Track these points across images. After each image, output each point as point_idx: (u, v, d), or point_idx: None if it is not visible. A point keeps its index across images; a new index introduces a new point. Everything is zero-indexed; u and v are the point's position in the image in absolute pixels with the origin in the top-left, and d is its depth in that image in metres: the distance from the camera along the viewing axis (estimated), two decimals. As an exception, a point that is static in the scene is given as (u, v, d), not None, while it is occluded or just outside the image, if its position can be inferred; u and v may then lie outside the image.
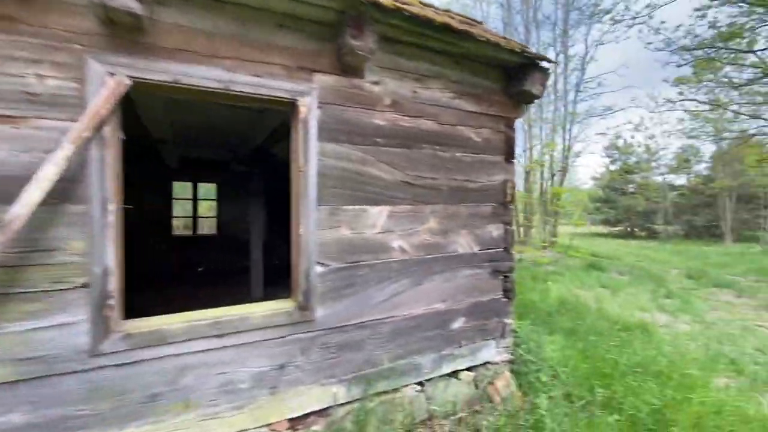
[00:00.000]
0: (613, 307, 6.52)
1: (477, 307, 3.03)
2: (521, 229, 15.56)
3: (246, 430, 2.11)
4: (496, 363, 3.12)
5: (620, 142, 31.83)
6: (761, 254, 16.20)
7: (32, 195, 1.53)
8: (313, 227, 2.29)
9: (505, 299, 3.18)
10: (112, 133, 1.79)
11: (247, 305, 2.24)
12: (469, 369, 2.98)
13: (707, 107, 14.55)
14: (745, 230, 24.88)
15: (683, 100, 14.00)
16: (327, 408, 2.37)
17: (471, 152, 2.95)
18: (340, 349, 2.41)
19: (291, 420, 2.24)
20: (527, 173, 15.44)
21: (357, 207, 2.46)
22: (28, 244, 1.65)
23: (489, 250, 3.08)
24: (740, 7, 10.15)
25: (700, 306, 6.92)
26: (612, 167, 33.84)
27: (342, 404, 2.42)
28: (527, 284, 7.97)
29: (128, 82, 1.78)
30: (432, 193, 2.77)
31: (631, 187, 32.27)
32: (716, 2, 10.39)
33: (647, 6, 13.04)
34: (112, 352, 1.79)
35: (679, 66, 12.17)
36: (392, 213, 2.59)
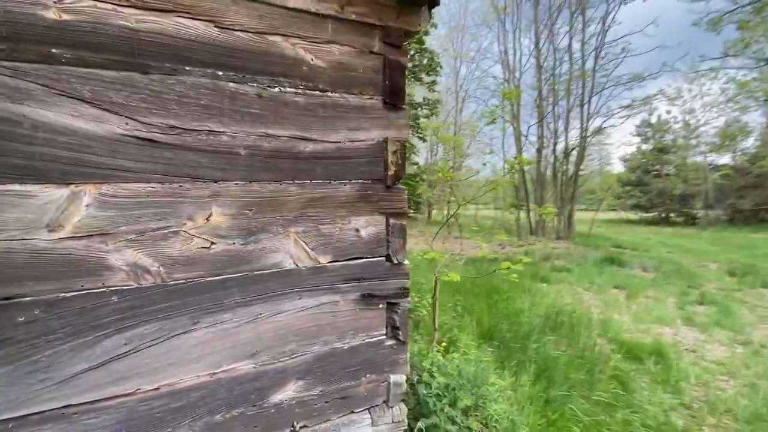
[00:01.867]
0: (623, 319, 5.02)
1: (330, 361, 1.74)
2: (532, 218, 13.86)
3: None
4: (372, 453, 1.84)
5: (653, 118, 28.83)
6: (822, 243, 13.76)
7: None
8: None
9: (391, 342, 1.87)
10: None
11: None
12: (313, 468, 1.72)
13: (758, 71, 12.21)
14: (800, 214, 21.90)
15: (726, 68, 11.73)
16: None
17: (306, 87, 1.63)
18: (-21, 472, 1.21)
19: None
20: (539, 152, 13.63)
21: (2, 187, 1.22)
22: None
23: (353, 261, 1.77)
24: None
25: (743, 317, 5.29)
26: (645, 146, 30.82)
27: None
28: (523, 285, 6.54)
29: None
30: (213, 159, 1.48)
31: (666, 169, 29.31)
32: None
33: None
34: None
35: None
36: (106, 198, 1.33)
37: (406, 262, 1.90)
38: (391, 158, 1.80)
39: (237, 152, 1.51)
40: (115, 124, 1.33)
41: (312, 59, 1.63)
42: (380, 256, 1.83)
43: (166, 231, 1.41)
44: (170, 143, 1.41)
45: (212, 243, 1.49)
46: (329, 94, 1.68)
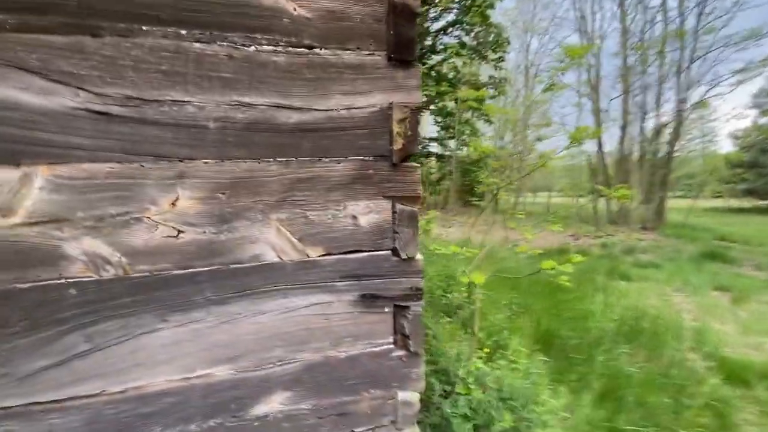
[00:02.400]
0: (726, 330, 4.07)
1: (323, 371, 1.48)
2: (610, 205, 12.27)
3: None
4: (376, 481, 1.56)
5: (777, 86, 23.80)
6: None
7: None
8: None
9: (400, 352, 1.56)
10: None
11: None
12: (305, 491, 1.50)
13: None
14: None
15: None
16: None
17: (289, 44, 1.35)
18: (-54, 465, 1.17)
19: None
20: (623, 129, 11.90)
21: (-55, 169, 1.13)
22: None
23: (350, 255, 1.47)
24: None
25: None
26: (763, 120, 25.68)
27: None
28: (597, 282, 5.72)
29: None
30: (177, 134, 1.27)
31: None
32: None
33: None
34: None
35: None
36: (60, 180, 1.19)
37: (419, 257, 1.55)
38: (397, 128, 1.45)
39: (205, 125, 1.29)
40: (66, 97, 1.18)
41: (294, 9, 1.34)
42: (385, 250, 1.51)
43: (127, 217, 1.25)
44: (128, 116, 1.23)
45: (179, 231, 1.30)
46: (317, 51, 1.38)
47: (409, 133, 1.47)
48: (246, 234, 1.36)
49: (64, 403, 1.24)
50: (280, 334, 1.42)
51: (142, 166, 1.25)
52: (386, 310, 1.53)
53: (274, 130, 1.36)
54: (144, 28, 1.22)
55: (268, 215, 1.37)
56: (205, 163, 1.30)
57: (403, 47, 1.44)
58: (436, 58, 20.58)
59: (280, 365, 1.43)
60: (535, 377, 2.59)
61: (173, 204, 1.29)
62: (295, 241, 1.40)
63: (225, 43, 1.29)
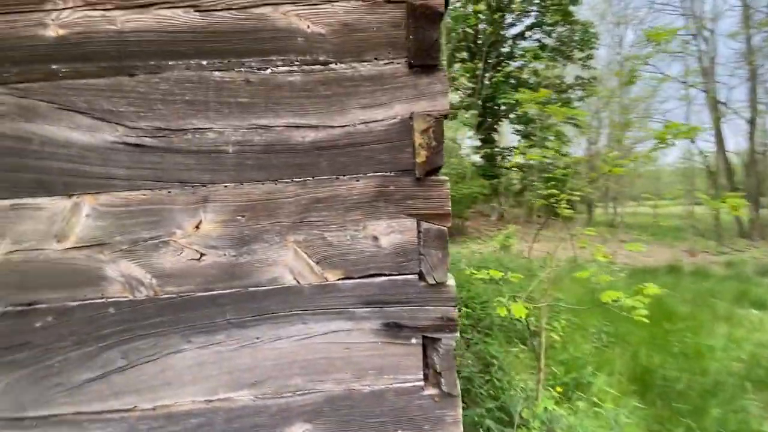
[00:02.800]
0: None
1: (345, 405, 1.37)
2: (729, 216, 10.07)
3: None
4: None
5: None
6: None
7: None
8: (-74, 242, 1.28)
9: (432, 391, 1.38)
10: None
11: None
12: None
13: None
14: None
15: None
16: None
17: (304, 63, 1.32)
18: (17, 461, 1.32)
19: None
20: (751, 122, 9.83)
21: (19, 201, 1.31)
22: None
23: (371, 280, 1.36)
24: None
25: None
26: None
27: None
28: (718, 309, 4.68)
29: None
30: (199, 160, 1.32)
31: None
32: None
33: None
34: None
35: None
36: (101, 207, 1.31)
37: (451, 282, 1.37)
38: (419, 140, 1.31)
39: (224, 150, 1.32)
40: (107, 132, 1.30)
41: (308, 27, 1.31)
42: (410, 273, 1.36)
43: (157, 241, 1.32)
44: (157, 146, 1.31)
45: (202, 254, 1.33)
46: (333, 66, 1.32)
47: (434, 143, 1.32)
48: (264, 256, 1.34)
49: (104, 415, 1.33)
50: (299, 362, 1.36)
51: (169, 192, 1.32)
52: (413, 341, 1.37)
53: (290, 150, 1.33)
54: (170, 63, 1.30)
55: (285, 237, 1.34)
56: (225, 186, 1.33)
57: (425, 52, 1.32)
58: (514, 65, 19.68)
59: (300, 395, 1.36)
60: (625, 428, 2.12)
61: (197, 227, 1.33)
62: (312, 263, 1.34)
63: (242, 69, 1.31)
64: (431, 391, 1.38)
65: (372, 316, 1.36)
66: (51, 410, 1.32)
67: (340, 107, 1.33)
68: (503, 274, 1.97)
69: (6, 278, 1.30)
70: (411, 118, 1.33)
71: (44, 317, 1.31)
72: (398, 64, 1.34)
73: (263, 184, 1.33)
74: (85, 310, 1.31)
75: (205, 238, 1.33)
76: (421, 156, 1.32)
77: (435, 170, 1.35)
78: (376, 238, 1.35)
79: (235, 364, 1.35)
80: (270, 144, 1.32)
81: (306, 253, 1.34)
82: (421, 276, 1.35)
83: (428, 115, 1.32)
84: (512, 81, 18.06)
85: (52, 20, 1.27)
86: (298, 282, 1.34)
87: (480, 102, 17.70)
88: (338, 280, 1.35)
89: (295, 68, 1.32)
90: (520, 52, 17.77)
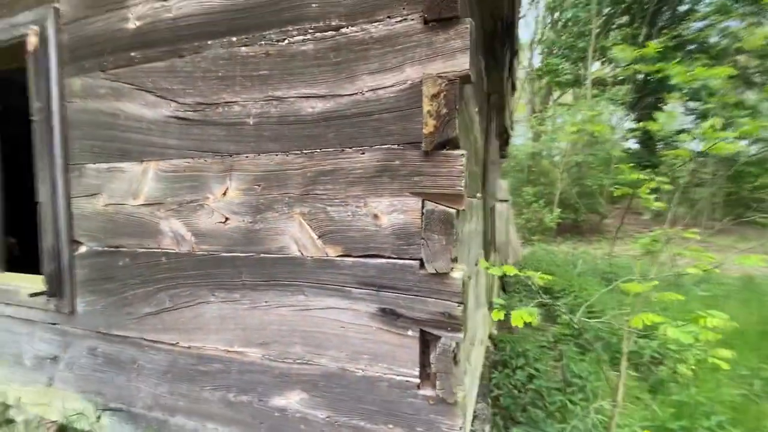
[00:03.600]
0: None
1: (339, 384, 1.34)
2: None
3: (28, 410, 1.93)
4: None
5: None
6: None
7: None
8: (62, 194, 1.72)
9: (428, 392, 1.23)
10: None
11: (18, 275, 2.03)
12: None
13: None
14: None
15: None
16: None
17: (317, 30, 1.28)
18: (108, 364, 1.73)
19: (55, 423, 1.84)
20: None
21: (108, 165, 1.64)
22: None
23: (369, 260, 1.27)
24: None
25: None
26: None
27: (107, 440, 1.75)
28: None
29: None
30: (228, 131, 1.43)
31: None
32: None
33: None
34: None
35: None
36: (160, 172, 1.55)
37: (457, 274, 1.17)
38: (428, 106, 1.14)
39: (246, 122, 1.39)
40: (164, 108, 1.52)
41: (321, -9, 1.26)
42: (410, 259, 1.22)
43: (195, 204, 1.50)
44: (197, 119, 1.47)
45: (227, 218, 1.45)
46: (344, 30, 1.25)
47: (444, 111, 1.13)
48: (274, 225, 1.38)
49: (157, 345, 1.61)
50: (299, 331, 1.38)
51: (206, 161, 1.47)
52: (410, 333, 1.24)
53: (300, 122, 1.32)
54: (209, 42, 1.43)
55: (292, 208, 1.35)
56: (246, 157, 1.41)
57: (442, 2, 1.12)
58: (694, 27, 15.48)
59: (299, 364, 1.39)
60: None
61: (224, 194, 1.45)
62: (315, 237, 1.33)
63: (264, 42, 1.35)
64: (427, 391, 1.23)
65: (368, 299, 1.28)
66: (125, 332, 1.67)
67: (349, 74, 1.25)
68: (550, 277, 1.57)
69: (103, 225, 1.67)
70: (420, 84, 1.16)
71: (124, 258, 1.64)
72: (412, 20, 1.17)
73: (277, 155, 1.36)
74: (147, 256, 1.59)
75: (230, 204, 1.44)
76: (429, 125, 1.14)
77: (446, 143, 1.15)
78: (376, 216, 1.24)
79: (248, 322, 1.45)
80: (283, 115, 1.34)
81: (310, 225, 1.33)
82: (422, 263, 1.20)
83: (440, 77, 1.13)
84: (689, 47, 14.31)
85: (131, 15, 1.53)
86: (301, 254, 1.35)
87: (639, 75, 14.61)
88: (338, 256, 1.30)
89: (308, 36, 1.29)
90: (706, 8, 13.85)
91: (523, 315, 1.51)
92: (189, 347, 1.55)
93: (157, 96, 1.52)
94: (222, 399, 1.51)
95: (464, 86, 1.24)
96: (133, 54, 1.55)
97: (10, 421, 1.95)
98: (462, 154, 1.15)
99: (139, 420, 1.67)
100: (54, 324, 1.83)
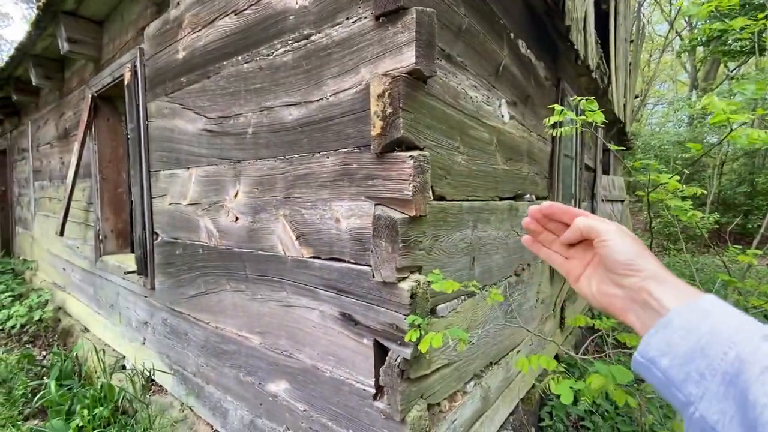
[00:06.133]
0: None
1: (312, 381, 1.39)
2: None
3: (127, 361, 2.51)
4: None
5: None
6: None
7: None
8: (146, 195, 2.18)
9: (382, 404, 1.18)
10: None
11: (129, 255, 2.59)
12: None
13: None
14: None
15: None
16: (164, 388, 2.22)
17: (294, 40, 1.35)
18: (172, 333, 2.13)
19: (149, 379, 2.34)
20: None
21: (169, 171, 2.00)
22: (90, 199, 3.03)
23: (333, 263, 1.28)
24: None
25: None
26: None
27: (171, 395, 2.16)
28: None
29: None
30: (236, 141, 1.61)
31: None
32: None
33: None
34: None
35: None
36: (198, 177, 1.83)
37: (405, 285, 1.09)
38: (375, 107, 1.09)
39: (247, 131, 1.54)
40: (199, 123, 1.79)
41: (297, 2, 1.31)
42: (365, 265, 1.18)
43: (218, 204, 1.73)
44: (218, 131, 1.69)
45: (237, 218, 1.63)
46: (313, 38, 1.28)
47: (389, 110, 1.06)
48: (266, 226, 1.50)
49: (199, 323, 1.92)
50: (284, 326, 1.47)
51: (224, 167, 1.68)
52: (365, 342, 1.20)
53: (283, 129, 1.40)
54: (225, 63, 1.62)
55: (278, 210, 1.45)
56: (249, 163, 1.56)
57: (388, -5, 1.05)
58: None
59: (285, 356, 1.48)
60: None
61: (235, 196, 1.64)
62: (294, 238, 1.40)
63: (258, 57, 1.47)
64: (380, 404, 1.18)
65: (331, 301, 1.29)
66: (180, 309, 2.03)
67: (316, 81, 1.28)
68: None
69: (168, 220, 2.06)
70: (368, 87, 1.11)
71: (179, 248, 1.99)
72: (365, 18, 1.13)
73: (268, 161, 1.48)
74: (193, 247, 1.91)
75: (239, 205, 1.62)
76: (377, 127, 1.09)
77: (398, 144, 1.08)
78: (338, 220, 1.24)
79: (250, 311, 1.61)
80: (272, 124, 1.44)
81: (290, 227, 1.41)
82: (370, 266, 1.15)
83: (385, 75, 1.06)
84: None
85: (180, 47, 1.85)
86: (284, 253, 1.44)
87: None
88: (310, 257, 1.35)
89: (288, 47, 1.36)
90: None
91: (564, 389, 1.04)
92: (216, 327, 1.81)
93: (195, 113, 1.80)
94: (235, 377, 1.72)
95: (426, 81, 1.14)
96: (182, 79, 1.86)
97: (123, 367, 2.58)
98: (410, 156, 1.06)
99: (187, 382, 2.02)
100: (145, 296, 2.34)
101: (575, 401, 1.35)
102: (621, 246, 0.41)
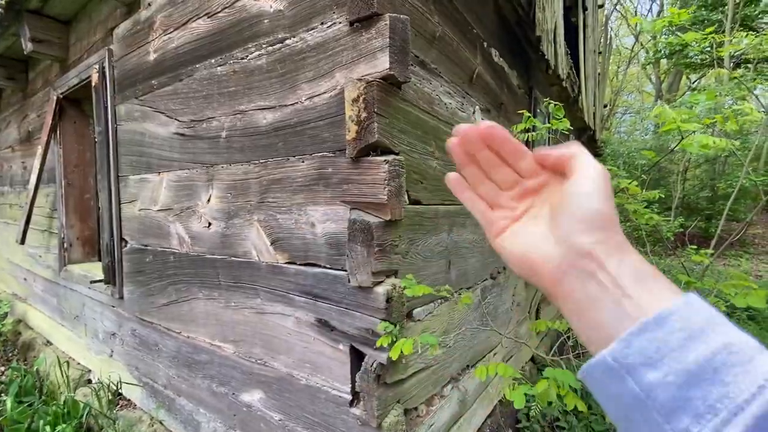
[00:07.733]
0: None
1: (287, 389, 1.37)
2: None
3: (93, 375, 2.39)
4: None
5: None
6: None
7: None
8: (115, 200, 2.10)
9: (358, 411, 1.17)
10: None
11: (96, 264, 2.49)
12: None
13: None
14: None
15: None
16: (132, 402, 2.13)
17: (269, 44, 1.34)
18: (143, 344, 2.05)
19: (117, 393, 2.24)
20: None
21: (139, 176, 1.94)
22: (54, 205, 2.89)
23: (308, 269, 1.26)
24: None
25: None
26: None
27: (140, 409, 2.07)
28: None
29: None
30: (209, 144, 1.57)
31: None
32: None
33: None
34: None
35: None
36: (169, 182, 1.78)
37: (381, 289, 1.09)
38: (350, 111, 1.09)
39: (220, 135, 1.51)
40: (171, 126, 1.74)
41: (270, 6, 1.31)
42: (341, 269, 1.17)
43: (190, 210, 1.68)
44: (190, 135, 1.65)
45: (210, 223, 1.60)
46: (288, 42, 1.27)
47: (364, 115, 1.06)
48: (240, 231, 1.47)
49: (170, 332, 1.85)
50: (258, 333, 1.44)
51: (197, 171, 1.64)
52: (341, 347, 1.19)
53: (257, 133, 1.39)
54: (197, 65, 1.59)
55: (252, 215, 1.42)
56: (222, 167, 1.53)
57: (361, 0, 1.06)
58: None
59: (259, 364, 1.45)
60: None
61: (208, 201, 1.60)
62: (268, 243, 1.37)
63: (232, 61, 1.45)
64: (356, 410, 1.17)
65: (307, 307, 1.27)
66: (150, 318, 1.95)
67: (291, 85, 1.27)
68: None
69: (137, 226, 1.99)
70: (342, 91, 1.11)
71: (149, 255, 1.93)
72: (340, 23, 1.14)
73: (242, 165, 1.45)
74: (164, 254, 1.84)
75: (212, 210, 1.59)
76: (352, 131, 1.09)
77: (372, 148, 1.09)
78: (313, 225, 1.23)
79: (223, 320, 1.57)
80: (245, 127, 1.42)
81: (265, 232, 1.38)
82: (348, 271, 1.15)
83: (359, 80, 1.07)
84: None
85: (151, 48, 1.80)
86: (258, 259, 1.41)
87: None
88: (285, 263, 1.33)
89: (263, 51, 1.35)
90: None
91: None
92: (188, 337, 1.75)
93: (167, 116, 1.76)
94: (208, 388, 1.67)
95: (401, 87, 1.15)
96: (153, 81, 1.81)
97: (89, 381, 2.45)
98: (384, 161, 1.07)
99: (158, 395, 1.94)
100: (113, 306, 2.25)
101: (549, 403, 1.40)
102: (604, 193, 0.31)
